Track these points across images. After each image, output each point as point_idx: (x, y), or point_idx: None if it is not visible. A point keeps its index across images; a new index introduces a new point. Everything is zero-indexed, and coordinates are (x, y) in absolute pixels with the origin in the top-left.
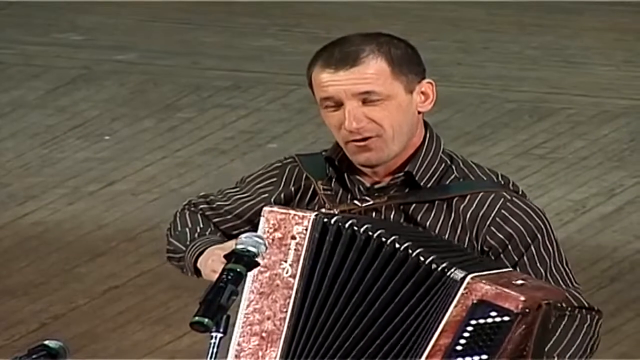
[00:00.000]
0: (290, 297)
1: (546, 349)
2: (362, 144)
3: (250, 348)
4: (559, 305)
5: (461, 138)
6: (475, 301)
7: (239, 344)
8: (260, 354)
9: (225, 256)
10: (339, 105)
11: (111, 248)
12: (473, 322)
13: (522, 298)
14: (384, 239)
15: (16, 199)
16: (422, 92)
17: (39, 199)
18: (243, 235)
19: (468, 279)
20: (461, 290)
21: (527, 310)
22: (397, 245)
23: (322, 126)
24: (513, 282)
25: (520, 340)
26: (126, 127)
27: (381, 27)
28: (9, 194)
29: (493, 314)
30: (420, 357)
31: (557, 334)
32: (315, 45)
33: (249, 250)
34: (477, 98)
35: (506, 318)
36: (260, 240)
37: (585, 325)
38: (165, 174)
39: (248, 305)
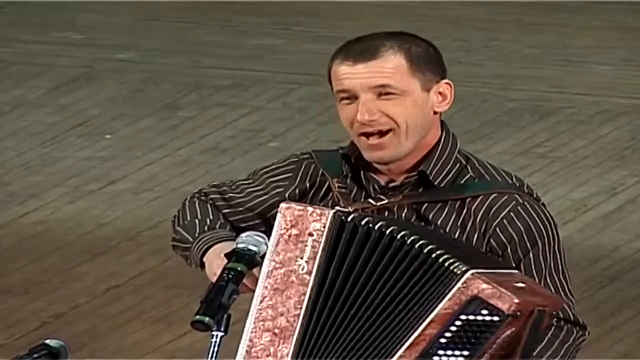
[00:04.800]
0: (305, 294)
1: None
2: (376, 142)
3: (262, 344)
4: (553, 314)
5: (462, 137)
6: (469, 297)
7: (250, 340)
8: (272, 350)
9: (226, 255)
10: (354, 98)
11: (112, 247)
12: (463, 317)
13: (516, 300)
14: (398, 237)
15: (17, 198)
16: (440, 93)
17: (39, 197)
18: (244, 234)
19: (468, 274)
20: (458, 285)
21: (519, 313)
22: (410, 242)
23: (322, 125)
24: (514, 284)
25: (507, 343)
26: (127, 126)
27: (381, 26)
28: (9, 193)
29: (484, 312)
30: (404, 344)
31: (543, 343)
32: (315, 44)
33: (249, 249)
34: (478, 97)
35: (496, 318)
36: (261, 240)
37: (572, 338)
38: (166, 172)
39: (261, 301)
